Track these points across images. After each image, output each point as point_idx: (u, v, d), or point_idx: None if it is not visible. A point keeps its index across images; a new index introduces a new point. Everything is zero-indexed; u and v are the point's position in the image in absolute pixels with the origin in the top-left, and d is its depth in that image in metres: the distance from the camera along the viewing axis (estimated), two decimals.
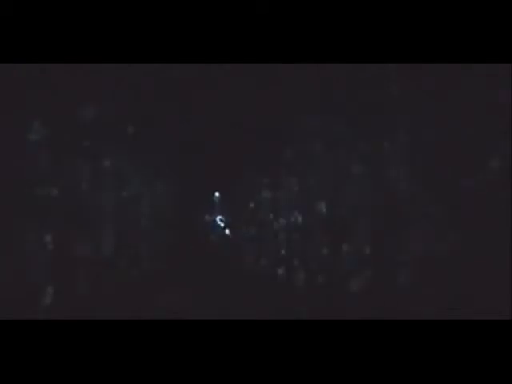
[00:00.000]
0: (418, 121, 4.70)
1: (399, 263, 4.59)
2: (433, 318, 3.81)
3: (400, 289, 4.50)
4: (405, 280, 4.51)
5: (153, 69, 4.56)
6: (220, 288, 9.22)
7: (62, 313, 4.54)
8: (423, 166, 4.65)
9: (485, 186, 4.15)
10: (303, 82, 4.66)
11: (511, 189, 4.04)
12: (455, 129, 4.41)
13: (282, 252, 8.83)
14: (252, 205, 12.30)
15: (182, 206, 14.17)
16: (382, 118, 4.82)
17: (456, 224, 4.35)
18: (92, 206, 5.81)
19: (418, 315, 3.95)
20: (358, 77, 4.63)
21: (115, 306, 5.30)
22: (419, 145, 4.68)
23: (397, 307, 4.32)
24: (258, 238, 11.39)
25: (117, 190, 7.07)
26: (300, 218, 7.82)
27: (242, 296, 7.50)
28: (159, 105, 7.62)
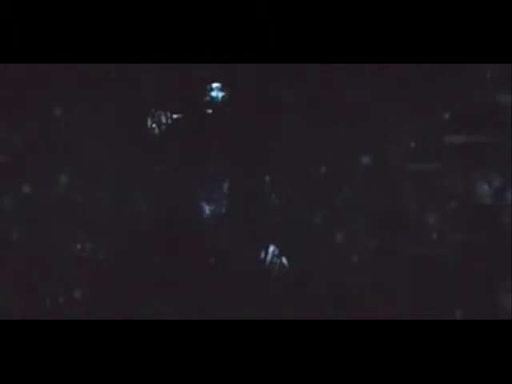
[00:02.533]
0: (418, 121, 4.69)
1: (399, 263, 4.58)
2: (433, 318, 3.81)
3: (400, 289, 4.49)
4: (404, 280, 4.50)
5: (153, 69, 4.55)
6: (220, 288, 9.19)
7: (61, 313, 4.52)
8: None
9: None
10: (303, 81, 4.65)
11: (511, 189, 4.04)
12: (455, 129, 4.40)
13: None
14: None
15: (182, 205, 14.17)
16: (383, 118, 4.81)
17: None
18: (91, 205, 5.78)
19: (417, 315, 3.94)
20: (358, 77, 4.62)
21: (115, 306, 5.27)
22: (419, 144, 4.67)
23: (397, 307, 4.31)
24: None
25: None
26: None
27: (242, 296, 7.48)
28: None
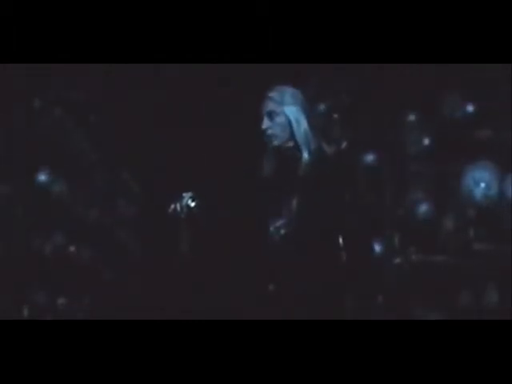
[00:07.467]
0: (419, 120, 4.70)
1: (399, 263, 4.59)
2: (432, 318, 3.81)
3: (400, 289, 4.50)
4: (405, 280, 4.51)
5: (153, 69, 4.56)
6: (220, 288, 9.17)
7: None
8: None
9: None
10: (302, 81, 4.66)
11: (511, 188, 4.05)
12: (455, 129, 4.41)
13: None
14: None
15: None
16: (384, 119, 4.82)
17: None
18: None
19: (417, 315, 3.94)
20: (359, 77, 4.63)
21: (116, 306, 5.26)
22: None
23: (396, 307, 4.32)
24: None
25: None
26: None
27: (243, 296, 7.45)
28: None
